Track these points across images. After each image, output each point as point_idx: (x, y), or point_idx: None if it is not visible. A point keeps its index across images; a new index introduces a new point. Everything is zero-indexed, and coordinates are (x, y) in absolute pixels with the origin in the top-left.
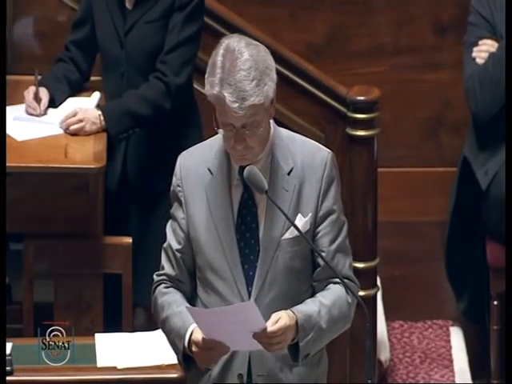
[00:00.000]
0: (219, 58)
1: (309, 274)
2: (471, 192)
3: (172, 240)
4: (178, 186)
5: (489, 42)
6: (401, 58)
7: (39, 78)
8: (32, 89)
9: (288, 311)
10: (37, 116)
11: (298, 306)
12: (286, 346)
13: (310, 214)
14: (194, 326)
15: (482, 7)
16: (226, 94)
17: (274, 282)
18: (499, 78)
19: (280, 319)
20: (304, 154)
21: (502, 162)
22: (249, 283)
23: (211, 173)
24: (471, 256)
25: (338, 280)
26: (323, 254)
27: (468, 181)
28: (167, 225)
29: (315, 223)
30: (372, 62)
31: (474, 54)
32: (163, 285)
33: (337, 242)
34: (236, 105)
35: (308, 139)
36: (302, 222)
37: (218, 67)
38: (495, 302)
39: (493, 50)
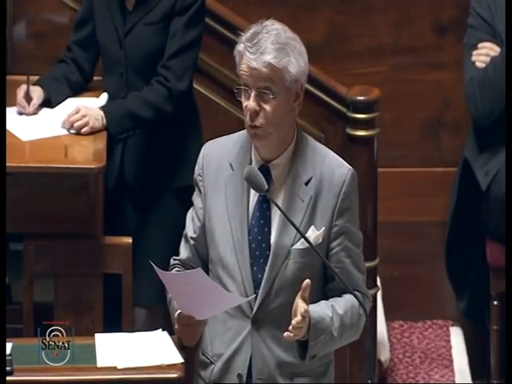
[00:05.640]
0: (251, 30)
1: (318, 288)
2: (471, 192)
3: (189, 227)
4: (200, 175)
5: (488, 44)
6: (401, 58)
7: (37, 77)
8: (24, 87)
9: None
10: (26, 115)
11: (313, 305)
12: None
13: (324, 229)
14: None
15: (482, 8)
16: (247, 46)
17: (282, 290)
18: (499, 83)
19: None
20: (324, 166)
21: (502, 162)
22: (256, 286)
23: (232, 168)
24: (471, 256)
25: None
26: (338, 268)
27: (468, 181)
28: (188, 211)
29: (329, 238)
30: (372, 62)
31: (473, 58)
32: (176, 268)
33: (351, 257)
34: (253, 56)
35: (331, 152)
36: (314, 234)
37: (248, 34)
38: (495, 302)
39: (492, 53)
